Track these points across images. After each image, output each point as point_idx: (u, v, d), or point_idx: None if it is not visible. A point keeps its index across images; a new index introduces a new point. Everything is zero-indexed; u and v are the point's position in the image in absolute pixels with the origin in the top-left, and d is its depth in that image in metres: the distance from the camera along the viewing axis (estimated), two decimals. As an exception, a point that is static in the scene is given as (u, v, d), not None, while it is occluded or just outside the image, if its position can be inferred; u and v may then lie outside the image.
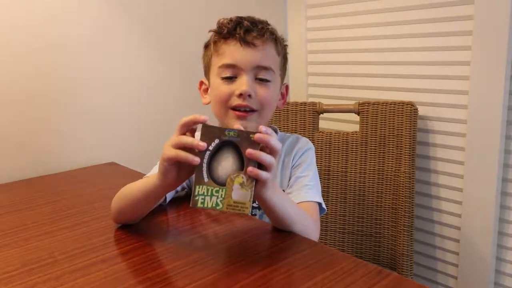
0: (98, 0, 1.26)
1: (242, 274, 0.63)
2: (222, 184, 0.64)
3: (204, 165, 0.63)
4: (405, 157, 1.23)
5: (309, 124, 1.34)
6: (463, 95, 1.22)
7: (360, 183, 1.30)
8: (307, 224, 0.77)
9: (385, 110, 1.26)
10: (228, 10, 1.39)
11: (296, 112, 1.36)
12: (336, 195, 1.32)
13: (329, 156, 1.33)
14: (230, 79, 0.81)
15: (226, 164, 0.63)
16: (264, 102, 0.82)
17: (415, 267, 1.36)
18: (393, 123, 1.25)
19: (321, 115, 1.35)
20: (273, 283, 0.61)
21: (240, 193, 0.63)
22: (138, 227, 0.80)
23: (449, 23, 1.22)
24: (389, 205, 1.26)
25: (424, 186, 1.36)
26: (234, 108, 0.81)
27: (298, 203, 0.82)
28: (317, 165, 0.91)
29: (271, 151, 0.64)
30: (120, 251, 0.73)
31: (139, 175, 1.14)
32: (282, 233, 0.75)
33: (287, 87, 0.92)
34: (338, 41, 1.51)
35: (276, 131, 0.92)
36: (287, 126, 1.36)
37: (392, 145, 1.25)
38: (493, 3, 1.11)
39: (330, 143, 1.33)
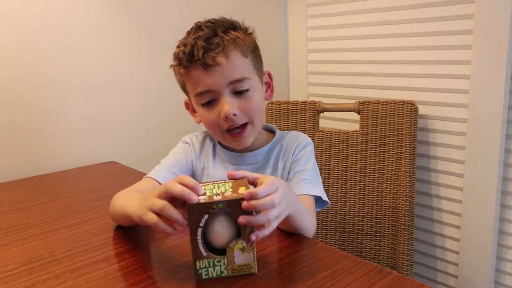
0: (98, 2, 1.26)
1: (241, 275, 0.63)
2: (221, 252, 0.61)
3: (199, 241, 0.60)
4: (405, 156, 1.23)
5: (309, 123, 1.34)
6: (463, 94, 1.22)
7: (360, 182, 1.30)
8: (310, 222, 0.77)
9: (386, 109, 1.26)
10: (229, 9, 1.39)
11: (296, 111, 1.36)
12: (336, 194, 1.32)
13: (329, 155, 1.33)
14: (210, 103, 0.80)
15: (222, 233, 0.60)
16: (251, 112, 0.80)
17: (415, 266, 1.36)
18: (393, 122, 1.25)
19: (321, 114, 1.35)
20: (273, 282, 0.61)
21: (242, 257, 0.61)
22: (139, 226, 0.80)
23: (450, 22, 1.22)
24: (389, 204, 1.26)
25: (424, 185, 1.35)
26: (227, 130, 0.81)
27: None
28: (317, 164, 0.91)
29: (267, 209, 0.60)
30: (120, 250, 0.73)
31: (139, 174, 1.14)
32: (282, 232, 0.75)
33: (269, 74, 0.89)
34: (338, 40, 1.51)
35: (274, 131, 0.92)
36: (287, 125, 1.36)
37: (393, 144, 1.25)
38: (494, 2, 1.10)
39: (330, 142, 1.33)
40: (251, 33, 0.85)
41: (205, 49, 0.76)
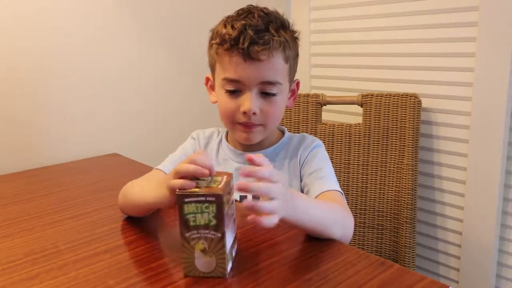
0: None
1: (244, 265, 0.63)
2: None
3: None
4: (408, 149, 1.22)
5: (312, 116, 1.34)
6: (467, 87, 1.21)
7: (363, 175, 1.30)
8: (337, 224, 0.71)
9: (389, 102, 1.25)
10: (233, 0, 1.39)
11: (299, 104, 1.35)
12: (339, 187, 1.32)
13: (332, 148, 1.33)
14: (234, 92, 0.78)
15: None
16: (269, 117, 0.80)
17: (417, 259, 1.36)
18: (396, 115, 1.24)
19: (324, 107, 1.34)
20: (276, 273, 0.61)
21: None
22: (142, 218, 0.80)
23: (454, 14, 1.21)
24: (391, 197, 1.26)
25: (427, 178, 1.35)
26: (240, 124, 0.80)
27: (317, 196, 0.78)
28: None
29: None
30: (123, 241, 0.73)
31: (142, 166, 1.15)
32: (284, 225, 0.75)
33: (298, 84, 0.88)
34: (341, 33, 1.50)
35: (283, 132, 0.91)
36: (290, 118, 1.36)
37: (395, 137, 1.25)
38: (499, -6, 1.09)
39: (333, 135, 1.33)
40: (297, 38, 0.83)
41: (252, 41, 0.74)
